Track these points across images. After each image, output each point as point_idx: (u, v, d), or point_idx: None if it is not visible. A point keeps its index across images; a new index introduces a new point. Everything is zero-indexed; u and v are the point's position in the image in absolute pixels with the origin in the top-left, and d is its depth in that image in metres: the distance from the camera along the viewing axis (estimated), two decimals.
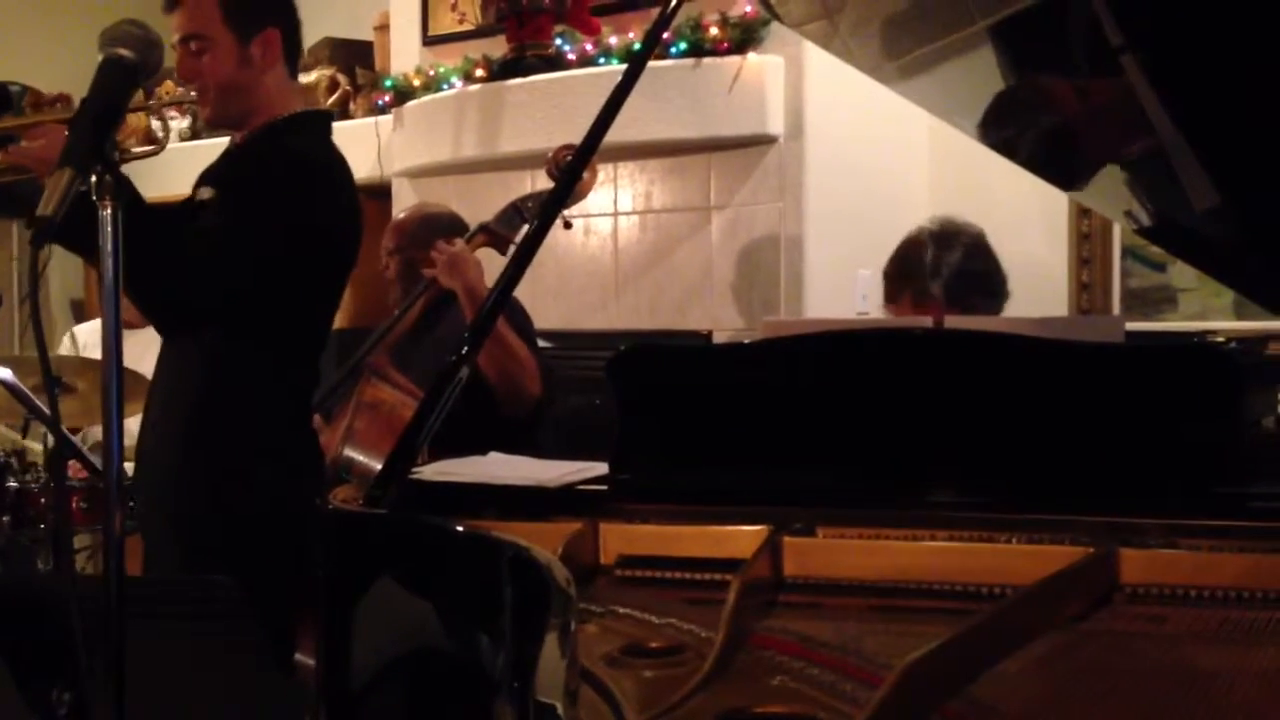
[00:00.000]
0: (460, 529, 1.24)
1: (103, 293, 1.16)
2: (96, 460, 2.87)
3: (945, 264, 2.48)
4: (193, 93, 2.23)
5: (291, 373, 2.27)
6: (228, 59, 2.22)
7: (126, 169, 1.96)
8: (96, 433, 3.70)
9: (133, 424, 2.37)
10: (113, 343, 1.13)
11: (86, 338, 4.19)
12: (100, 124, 1.26)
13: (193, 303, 2.08)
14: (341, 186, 2.31)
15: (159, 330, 2.28)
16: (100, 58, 1.35)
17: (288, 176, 2.18)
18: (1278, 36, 1.30)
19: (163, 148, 2.15)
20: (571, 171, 1.73)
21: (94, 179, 1.20)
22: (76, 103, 2.07)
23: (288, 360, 2.25)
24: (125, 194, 1.77)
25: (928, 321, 1.66)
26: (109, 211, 1.19)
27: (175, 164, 2.48)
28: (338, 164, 2.32)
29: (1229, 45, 1.38)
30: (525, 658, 1.06)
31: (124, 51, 1.35)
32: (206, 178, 2.26)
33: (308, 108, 2.47)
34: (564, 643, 1.05)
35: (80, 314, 5.75)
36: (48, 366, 1.17)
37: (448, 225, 3.21)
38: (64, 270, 5.68)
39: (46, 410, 2.79)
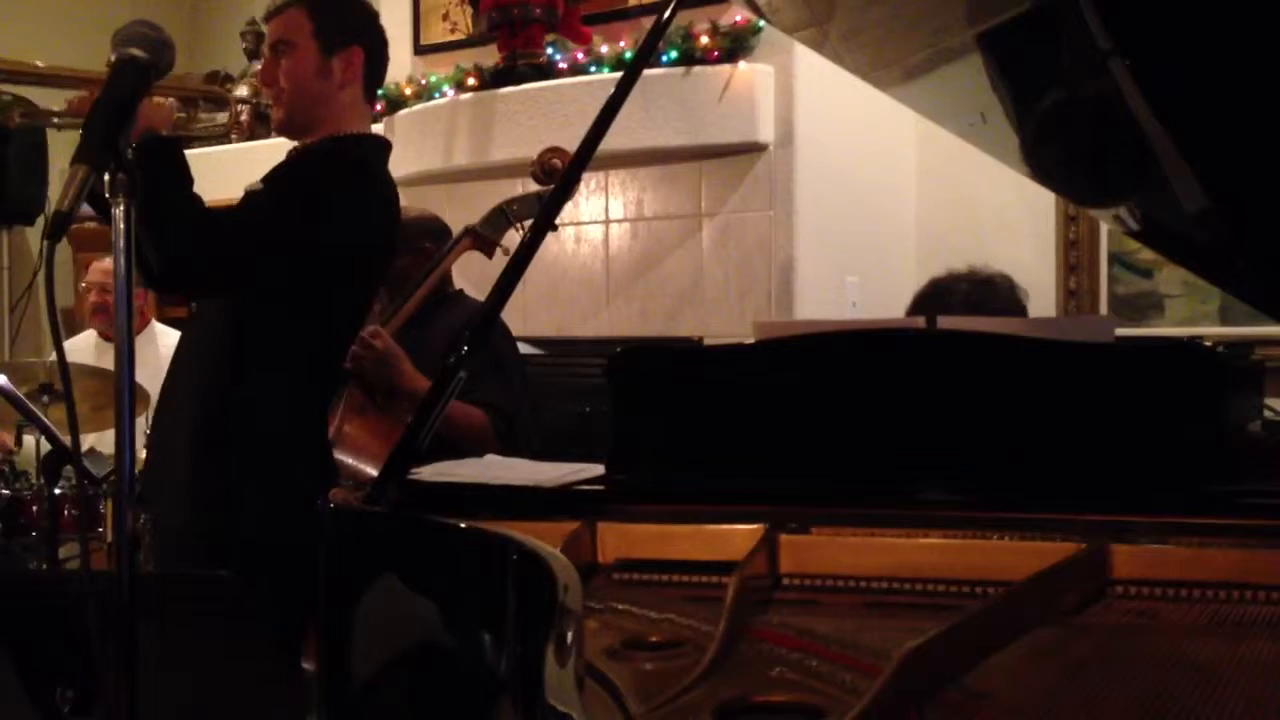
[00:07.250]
0: (463, 526, 1.25)
1: (115, 288, 1.18)
2: (91, 467, 2.87)
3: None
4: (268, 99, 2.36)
5: (307, 372, 2.27)
6: (307, 66, 2.31)
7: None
8: (85, 440, 3.69)
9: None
10: (125, 342, 1.15)
11: (70, 353, 4.19)
12: (113, 122, 1.28)
13: (198, 258, 2.11)
14: (384, 201, 2.35)
15: (163, 290, 2.36)
16: (113, 57, 1.37)
17: (335, 174, 2.25)
18: (1265, 39, 1.33)
19: (229, 129, 2.23)
20: (567, 181, 1.74)
21: (107, 177, 1.22)
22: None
23: (303, 359, 2.25)
24: (170, 154, 1.82)
25: (920, 322, 1.68)
26: (121, 209, 1.20)
27: (230, 166, 2.56)
28: (386, 183, 2.37)
29: (1215, 48, 1.41)
30: (531, 655, 1.07)
31: (137, 51, 1.37)
32: (265, 179, 2.32)
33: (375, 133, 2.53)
34: (573, 639, 1.05)
35: (68, 322, 5.72)
36: (65, 366, 1.18)
37: (430, 229, 3.22)
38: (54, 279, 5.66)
39: (42, 416, 2.79)
